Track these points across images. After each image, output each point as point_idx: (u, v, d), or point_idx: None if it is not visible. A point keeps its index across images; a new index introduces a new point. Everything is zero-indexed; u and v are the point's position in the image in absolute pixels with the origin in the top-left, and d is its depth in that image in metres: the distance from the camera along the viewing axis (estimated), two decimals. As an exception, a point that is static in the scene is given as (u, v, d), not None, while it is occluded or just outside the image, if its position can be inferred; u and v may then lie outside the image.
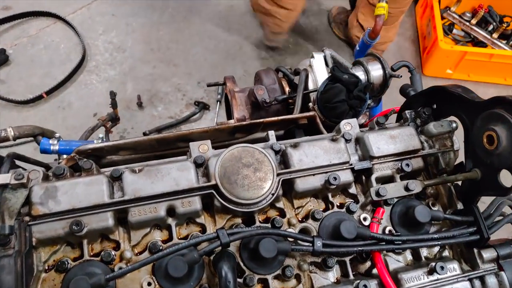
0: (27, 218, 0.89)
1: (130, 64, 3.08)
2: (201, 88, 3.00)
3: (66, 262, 0.91)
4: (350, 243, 0.96)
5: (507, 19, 3.25)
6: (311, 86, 1.41)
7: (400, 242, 0.97)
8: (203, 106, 2.88)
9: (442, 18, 3.32)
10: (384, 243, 0.97)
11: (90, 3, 3.38)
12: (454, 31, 3.30)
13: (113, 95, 1.81)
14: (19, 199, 0.89)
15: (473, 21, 3.23)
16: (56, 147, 1.13)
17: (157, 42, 3.19)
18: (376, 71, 1.40)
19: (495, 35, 3.19)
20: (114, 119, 1.78)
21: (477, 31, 3.24)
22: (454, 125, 1.13)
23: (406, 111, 1.19)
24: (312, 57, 1.48)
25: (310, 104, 1.32)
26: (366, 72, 1.39)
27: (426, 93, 1.16)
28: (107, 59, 3.10)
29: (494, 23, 3.20)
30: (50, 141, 1.12)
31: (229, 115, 1.53)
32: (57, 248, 0.93)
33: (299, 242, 0.95)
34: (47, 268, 0.91)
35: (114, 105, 1.80)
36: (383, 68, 1.39)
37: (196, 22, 3.36)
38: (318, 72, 1.43)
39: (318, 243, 0.93)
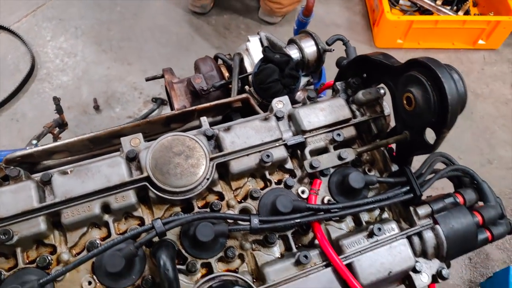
0: (-46, 232, 0.88)
1: (83, 68, 3.03)
2: (157, 84, 2.97)
3: (0, 273, 0.90)
4: (287, 217, 0.97)
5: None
6: (249, 69, 1.42)
7: (337, 210, 1.00)
8: (161, 102, 2.86)
9: (389, -11, 3.37)
10: (320, 213, 0.99)
11: (35, 10, 3.30)
12: (401, 1, 3.36)
13: (56, 100, 1.78)
14: None
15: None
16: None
17: (109, 42, 3.14)
18: (309, 48, 1.41)
19: (438, 2, 3.26)
20: (61, 125, 1.75)
21: None
22: (382, 91, 1.15)
23: (337, 83, 1.20)
24: (248, 40, 1.48)
25: (246, 87, 1.33)
26: (300, 49, 1.40)
27: (353, 63, 1.18)
28: (58, 65, 3.04)
29: (437, -10, 3.28)
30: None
31: (173, 107, 1.52)
32: (-10, 260, 0.91)
33: (238, 222, 0.97)
34: (-18, 282, 0.90)
35: (59, 110, 1.77)
36: (316, 44, 1.40)
37: (147, 17, 3.32)
38: (255, 55, 1.44)
39: (255, 221, 0.95)
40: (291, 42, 1.43)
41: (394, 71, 1.05)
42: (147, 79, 1.55)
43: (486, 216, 1.12)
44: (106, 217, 0.97)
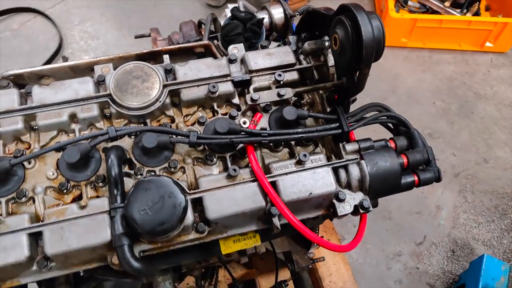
0: (-51, 121, 1.09)
1: (103, 50, 3.32)
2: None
3: (-18, 159, 1.10)
4: (222, 136, 1.13)
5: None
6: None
7: (267, 135, 1.15)
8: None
9: (399, -8, 3.49)
10: (251, 137, 1.14)
11: (68, -3, 3.64)
12: (409, 3, 3.46)
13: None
14: None
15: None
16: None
17: (128, 29, 3.42)
18: (278, 14, 1.58)
19: (447, 4, 3.35)
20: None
21: (431, 1, 3.39)
22: (326, 43, 1.30)
23: (290, 36, 1.37)
24: (227, 8, 1.66)
25: (215, 41, 1.51)
26: (269, 14, 1.57)
27: (303, 18, 1.33)
28: (82, 46, 3.34)
29: (446, -8, 3.37)
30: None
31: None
32: (-24, 149, 1.12)
33: (180, 137, 1.13)
34: (-32, 163, 1.11)
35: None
36: (284, 10, 1.57)
37: (165, 8, 3.59)
38: (231, 18, 1.62)
39: (193, 135, 1.11)
40: (262, 8, 1.60)
41: (330, 20, 1.20)
42: (136, 36, 1.76)
43: (412, 158, 1.23)
44: (73, 125, 1.16)
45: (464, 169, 2.90)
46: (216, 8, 3.51)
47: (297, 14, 1.56)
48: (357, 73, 1.11)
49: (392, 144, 1.27)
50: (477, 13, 3.39)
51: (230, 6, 1.65)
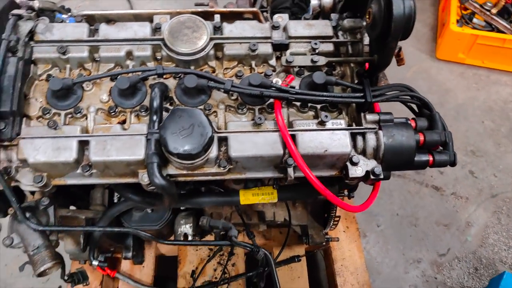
0: (31, 42, 1.30)
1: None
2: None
3: (52, 75, 1.31)
4: (254, 88, 1.25)
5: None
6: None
7: (294, 93, 1.26)
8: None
9: (465, 9, 3.45)
10: (279, 93, 1.26)
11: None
12: (475, 20, 3.41)
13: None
14: (27, 27, 1.30)
15: (494, 11, 3.33)
16: (67, 20, 1.55)
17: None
18: (328, -3, 1.68)
19: (516, 25, 3.28)
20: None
21: (498, 20, 3.33)
22: (364, 23, 1.39)
23: (332, 14, 1.46)
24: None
25: (264, 13, 1.64)
26: (320, -4, 1.68)
27: (346, -2, 1.43)
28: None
29: (516, 14, 3.30)
30: (63, 15, 1.54)
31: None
32: (49, 68, 1.32)
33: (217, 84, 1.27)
34: (40, 79, 1.31)
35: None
36: (334, -6, 1.67)
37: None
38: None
39: (228, 83, 1.25)
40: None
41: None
42: (196, 4, 1.94)
43: (428, 137, 1.29)
44: (128, 62, 1.34)
45: (503, 191, 2.83)
46: None
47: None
48: (385, 48, 1.20)
49: (412, 123, 1.33)
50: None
51: (285, -14, 1.79)
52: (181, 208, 1.67)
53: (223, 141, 1.23)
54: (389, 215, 2.69)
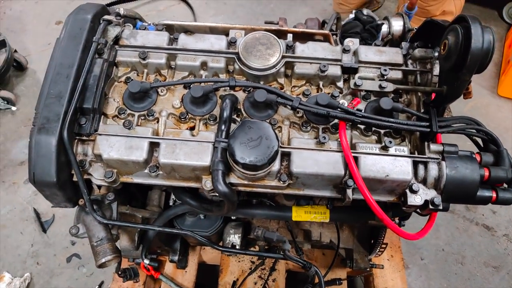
0: (116, 46, 1.40)
1: (229, 42, 3.68)
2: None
3: (131, 78, 1.39)
4: (320, 107, 1.28)
5: None
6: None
7: (360, 116, 1.28)
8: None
9: (531, 47, 3.35)
10: (346, 114, 1.28)
11: (206, -10, 4.11)
12: (541, 60, 3.30)
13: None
14: (115, 32, 1.40)
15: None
16: (144, 28, 1.64)
17: (255, 28, 3.75)
18: (397, 26, 1.69)
19: None
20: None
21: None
22: (436, 53, 1.39)
23: (403, 43, 1.48)
24: (352, 13, 1.83)
25: (334, 36, 1.67)
26: (389, 24, 1.70)
27: (420, 27, 1.44)
28: (212, 35, 3.74)
29: None
30: (145, 23, 1.64)
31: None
32: (128, 71, 1.41)
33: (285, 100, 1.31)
34: (119, 81, 1.41)
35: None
36: (404, 23, 1.69)
37: (295, 15, 3.87)
38: (353, 23, 1.78)
39: (296, 100, 1.28)
40: (384, 18, 1.74)
41: (445, 30, 1.30)
42: (266, 22, 2.00)
43: (494, 173, 1.27)
44: (202, 72, 1.41)
45: (559, 238, 2.69)
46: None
47: (415, 29, 1.67)
48: (458, 80, 1.20)
49: (477, 158, 1.31)
50: None
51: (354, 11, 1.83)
52: (232, 218, 1.71)
53: (286, 156, 1.26)
54: (434, 249, 2.61)
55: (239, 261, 2.08)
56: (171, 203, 1.66)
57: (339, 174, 1.24)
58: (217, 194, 1.24)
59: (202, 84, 1.33)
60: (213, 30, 1.55)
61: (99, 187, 1.40)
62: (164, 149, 1.25)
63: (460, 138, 1.40)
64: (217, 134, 1.26)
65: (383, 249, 1.86)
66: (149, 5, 3.97)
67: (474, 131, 1.34)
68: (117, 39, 1.41)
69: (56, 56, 1.30)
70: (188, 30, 1.56)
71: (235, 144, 1.17)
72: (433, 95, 1.37)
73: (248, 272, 2.02)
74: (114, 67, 1.40)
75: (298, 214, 1.53)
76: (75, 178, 1.28)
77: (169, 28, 1.55)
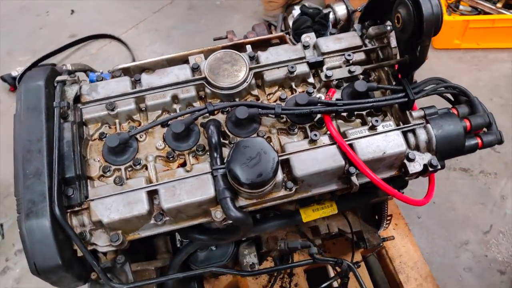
0: (78, 104, 1.34)
1: (170, 67, 3.63)
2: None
3: (105, 133, 1.34)
4: (302, 108, 1.29)
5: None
6: (291, 27, 1.79)
7: (341, 105, 1.30)
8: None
9: (449, -4, 3.57)
10: (328, 107, 1.30)
11: (138, 23, 4.03)
12: (461, 7, 3.53)
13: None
14: (73, 91, 1.34)
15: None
16: (101, 78, 1.58)
17: (194, 47, 3.72)
18: (341, 10, 1.74)
19: (499, 5, 3.39)
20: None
21: (482, 3, 3.45)
22: (388, 27, 1.44)
23: (355, 25, 1.53)
24: (294, 9, 1.86)
25: (287, 35, 1.70)
26: (333, 11, 1.74)
27: (366, 7, 1.49)
28: (151, 64, 3.68)
29: (497, -5, 3.42)
30: (96, 74, 1.58)
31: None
32: (99, 126, 1.35)
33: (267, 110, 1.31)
34: (93, 139, 1.35)
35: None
36: (346, 6, 1.74)
37: (227, 28, 3.87)
38: (298, 17, 1.81)
39: (278, 107, 1.29)
40: (327, 6, 1.78)
41: (392, 4, 1.35)
42: (214, 39, 1.99)
43: (474, 122, 1.34)
44: (174, 105, 1.38)
45: (528, 160, 2.88)
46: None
47: (359, 9, 1.73)
48: (419, 47, 1.25)
49: (455, 112, 1.38)
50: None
51: (296, 7, 1.86)
52: (242, 239, 1.69)
53: (285, 163, 1.26)
54: (426, 205, 2.70)
55: (256, 278, 2.05)
56: (178, 245, 1.61)
57: (340, 165, 1.25)
58: (231, 222, 1.22)
59: (180, 118, 1.30)
60: (170, 62, 1.52)
61: (105, 253, 1.33)
62: (164, 194, 1.21)
63: (426, 99, 1.45)
64: (212, 162, 1.23)
65: (389, 221, 1.91)
66: (80, 51, 3.83)
67: (443, 88, 1.40)
68: (77, 98, 1.35)
69: (20, 134, 1.22)
70: (145, 68, 1.52)
71: (236, 167, 1.15)
72: (396, 67, 1.43)
73: (270, 286, 2.00)
74: (84, 126, 1.34)
75: (307, 215, 1.53)
76: (79, 253, 1.21)
77: (126, 71, 1.51)
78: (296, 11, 1.80)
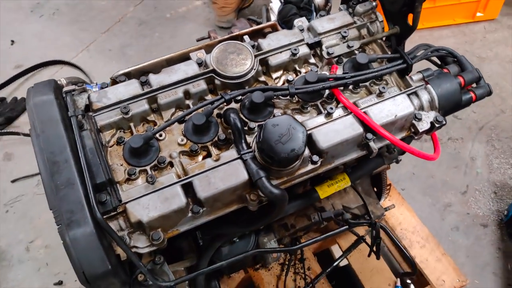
0: (90, 113, 1.31)
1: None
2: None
3: (123, 137, 1.31)
4: (314, 85, 1.35)
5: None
6: (273, 19, 1.85)
7: (350, 77, 1.38)
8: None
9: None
10: (338, 81, 1.37)
11: (88, 45, 3.92)
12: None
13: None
14: (83, 100, 1.31)
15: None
16: (97, 87, 1.55)
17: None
18: (318, -6, 1.84)
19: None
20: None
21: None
22: (374, 3, 1.55)
23: (340, 5, 1.62)
24: (271, 1, 1.93)
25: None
26: (312, -2, 1.83)
27: (349, -13, 1.59)
28: (112, 83, 3.59)
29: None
30: (93, 85, 1.55)
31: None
32: (114, 132, 1.33)
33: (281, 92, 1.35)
34: (110, 145, 1.32)
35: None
36: (324, -11, 1.83)
37: (182, 37, 3.88)
38: (276, 7, 1.88)
39: (292, 88, 1.34)
40: (305, -7, 1.87)
41: (376, -20, 1.45)
42: (197, 40, 2.01)
43: (467, 78, 1.47)
44: (187, 101, 1.38)
45: (486, 122, 3.14)
46: (227, 29, 3.81)
47: (335, -7, 1.83)
48: (411, 15, 1.36)
49: (446, 71, 1.50)
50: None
51: (274, 0, 1.93)
52: (260, 228, 1.71)
53: (308, 138, 1.31)
54: (407, 177, 2.88)
55: (269, 270, 2.07)
56: (201, 243, 1.60)
57: (359, 132, 1.32)
58: (266, 202, 1.25)
59: (199, 110, 1.31)
60: (170, 61, 1.52)
61: (140, 257, 1.30)
62: (199, 185, 1.21)
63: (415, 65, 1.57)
64: (238, 148, 1.26)
65: (388, 190, 2.01)
66: (29, 81, 3.62)
67: (435, 52, 1.52)
68: (86, 106, 1.32)
69: (42, 148, 1.17)
70: (146, 71, 1.51)
71: (270, 146, 1.17)
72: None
73: (284, 275, 2.02)
74: (100, 133, 1.31)
75: (324, 191, 1.59)
76: (122, 258, 1.18)
77: (127, 76, 1.49)
78: (275, 2, 1.87)
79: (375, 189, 2.06)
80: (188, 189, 1.23)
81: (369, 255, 1.76)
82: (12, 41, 4.06)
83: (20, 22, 4.15)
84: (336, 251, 2.31)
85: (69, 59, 3.79)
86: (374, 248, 1.61)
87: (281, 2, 1.88)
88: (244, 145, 1.25)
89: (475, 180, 2.87)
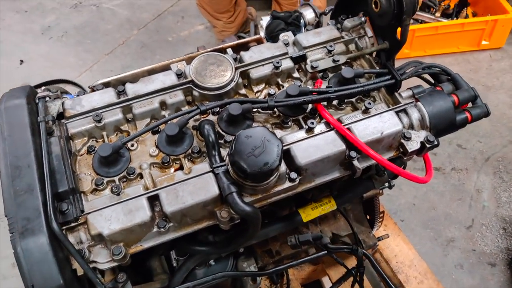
0: (63, 120, 1.26)
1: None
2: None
3: (94, 146, 1.26)
4: (295, 98, 1.29)
5: (446, 2, 3.76)
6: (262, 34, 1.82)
7: (333, 91, 1.31)
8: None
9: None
10: (320, 95, 1.30)
11: (91, 66, 3.97)
12: (404, 20, 3.76)
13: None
14: (56, 106, 1.26)
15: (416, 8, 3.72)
16: (82, 93, 1.50)
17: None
18: (309, 14, 1.80)
19: (437, 14, 3.68)
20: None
21: (422, 15, 3.73)
22: (362, 18, 1.50)
23: (329, 20, 1.57)
24: (261, 19, 1.90)
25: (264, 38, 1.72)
26: (302, 15, 1.80)
27: (338, 2, 1.55)
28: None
29: (434, 6, 3.70)
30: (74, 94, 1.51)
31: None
32: (86, 141, 1.27)
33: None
34: (81, 154, 1.26)
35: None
36: (313, 10, 1.80)
37: (183, 52, 3.90)
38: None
39: (271, 101, 1.28)
40: (294, 12, 1.84)
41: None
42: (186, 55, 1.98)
43: (461, 96, 1.39)
44: (163, 112, 1.33)
45: (492, 153, 3.02)
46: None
47: (326, 11, 1.80)
48: (400, 29, 1.30)
49: (439, 89, 1.42)
50: (466, 17, 3.70)
51: (264, 18, 1.90)
52: (240, 251, 1.61)
53: (286, 154, 1.23)
54: (406, 208, 2.75)
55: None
56: (174, 264, 1.51)
57: (341, 149, 1.24)
58: (239, 220, 1.16)
59: (173, 121, 1.26)
60: (151, 72, 1.48)
61: (103, 274, 1.22)
62: (166, 198, 1.14)
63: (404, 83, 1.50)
64: (211, 161, 1.19)
65: (381, 219, 1.90)
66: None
67: (426, 68, 1.45)
68: (60, 114, 1.28)
69: (5, 151, 1.13)
70: (126, 81, 1.47)
71: (241, 159, 1.10)
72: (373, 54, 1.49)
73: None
74: (70, 141, 1.25)
75: (307, 214, 1.49)
76: (78, 273, 1.09)
77: (107, 86, 1.45)
78: (266, 19, 1.84)
79: (368, 217, 1.96)
80: (155, 202, 1.16)
81: (352, 287, 1.64)
82: (21, 61, 4.16)
83: (30, 43, 4.26)
84: (327, 283, 2.18)
85: (72, 78, 3.81)
86: (358, 278, 1.49)
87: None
88: (217, 158, 1.19)
89: (481, 214, 2.73)
